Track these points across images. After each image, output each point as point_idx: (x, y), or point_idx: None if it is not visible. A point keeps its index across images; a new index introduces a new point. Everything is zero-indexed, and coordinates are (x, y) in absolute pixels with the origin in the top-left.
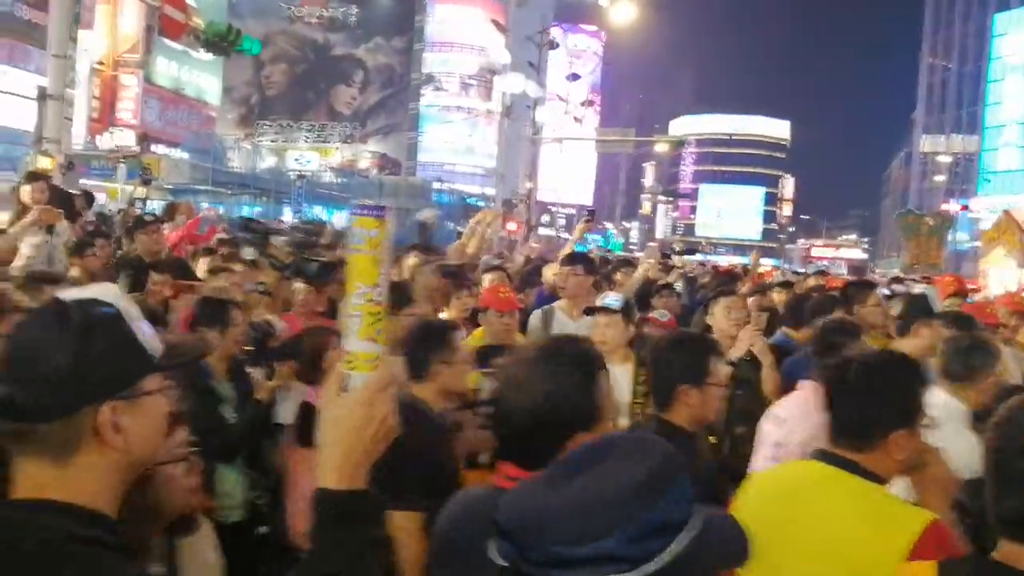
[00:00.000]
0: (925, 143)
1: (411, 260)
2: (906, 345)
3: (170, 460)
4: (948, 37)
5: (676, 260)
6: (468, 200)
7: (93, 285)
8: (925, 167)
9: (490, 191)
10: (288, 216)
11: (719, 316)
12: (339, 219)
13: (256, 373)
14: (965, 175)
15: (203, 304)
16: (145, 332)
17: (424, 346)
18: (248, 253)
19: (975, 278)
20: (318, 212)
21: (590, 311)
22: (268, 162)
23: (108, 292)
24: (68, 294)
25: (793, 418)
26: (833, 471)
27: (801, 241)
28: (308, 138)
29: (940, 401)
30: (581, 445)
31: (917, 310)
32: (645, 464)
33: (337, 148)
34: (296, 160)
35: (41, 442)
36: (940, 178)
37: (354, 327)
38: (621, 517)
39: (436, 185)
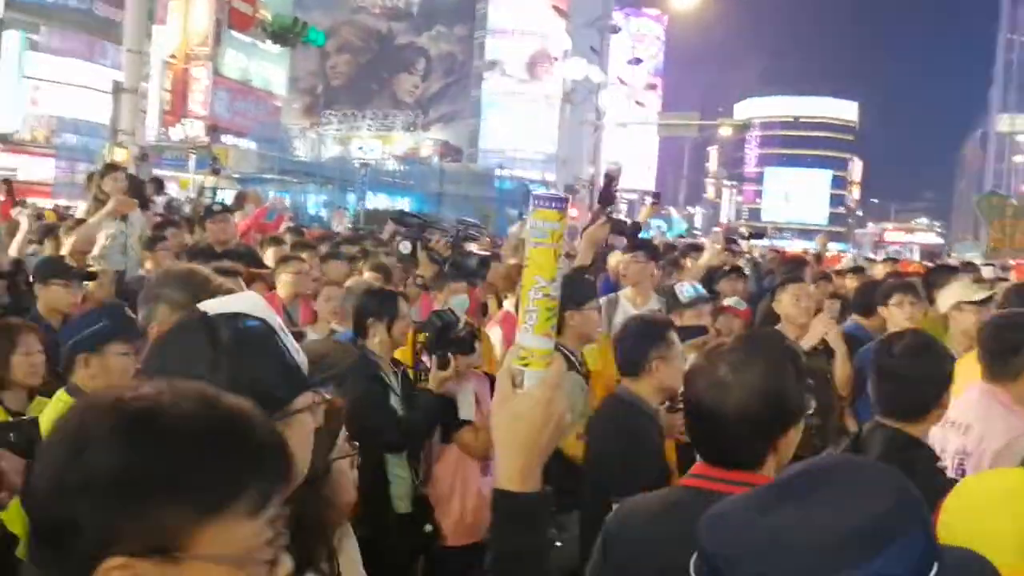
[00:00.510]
0: (1002, 122)
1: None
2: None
3: (341, 456)
4: None
5: (744, 245)
6: (529, 186)
7: (237, 296)
8: (1002, 147)
9: (551, 177)
10: (352, 203)
11: (786, 303)
12: (401, 206)
13: (431, 363)
14: None
15: (371, 296)
16: (292, 346)
17: (643, 342)
18: (404, 247)
19: None
20: (382, 200)
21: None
22: (332, 151)
23: (254, 304)
24: (211, 306)
25: (979, 423)
26: None
27: (871, 225)
28: (371, 127)
29: None
30: (802, 465)
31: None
32: (870, 507)
33: (400, 136)
34: (360, 148)
35: None
36: (1019, 159)
37: (531, 322)
38: (825, 567)
39: (498, 171)
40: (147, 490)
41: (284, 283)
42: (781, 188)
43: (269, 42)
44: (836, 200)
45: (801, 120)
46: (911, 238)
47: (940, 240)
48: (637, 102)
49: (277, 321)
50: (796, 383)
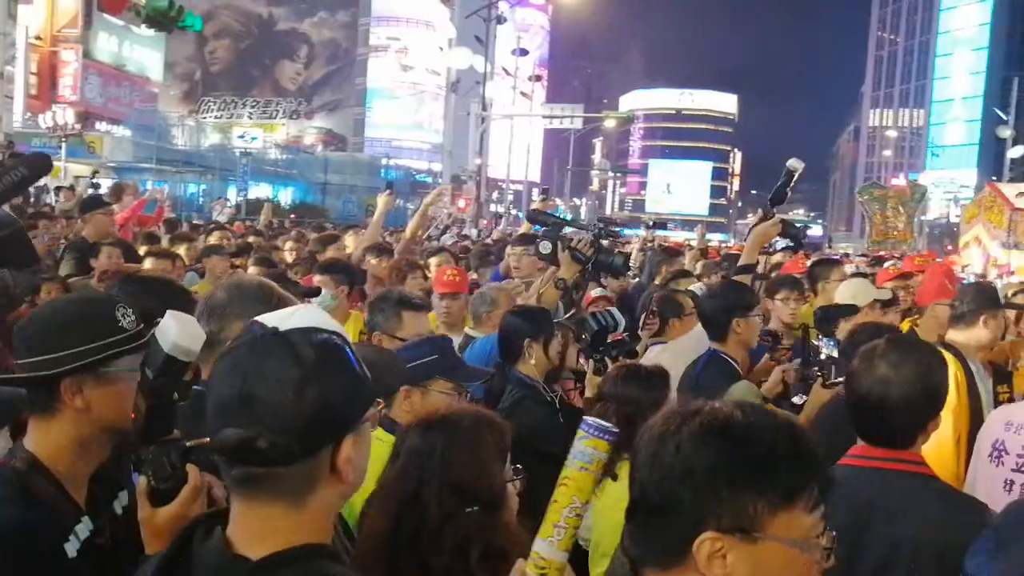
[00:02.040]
0: (873, 117)
1: (349, 239)
2: (966, 336)
3: (510, 480)
4: (896, 10)
5: (647, 234)
6: (416, 176)
7: (298, 308)
8: (873, 141)
9: (437, 167)
10: (233, 194)
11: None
12: (283, 196)
13: (586, 366)
14: (913, 149)
15: (522, 315)
16: (356, 357)
17: (726, 306)
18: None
19: (946, 257)
20: (265, 190)
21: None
22: (212, 139)
23: (316, 316)
24: (274, 319)
25: None
26: None
27: (750, 216)
28: (253, 114)
29: None
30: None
31: (984, 299)
32: None
33: (283, 124)
34: (241, 137)
35: (277, 485)
36: (888, 152)
37: (558, 537)
38: None
39: (384, 161)
40: (735, 481)
41: None
42: (664, 179)
43: (143, 26)
44: (717, 191)
45: (683, 113)
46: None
47: (820, 232)
48: (522, 93)
49: (343, 331)
50: (944, 374)
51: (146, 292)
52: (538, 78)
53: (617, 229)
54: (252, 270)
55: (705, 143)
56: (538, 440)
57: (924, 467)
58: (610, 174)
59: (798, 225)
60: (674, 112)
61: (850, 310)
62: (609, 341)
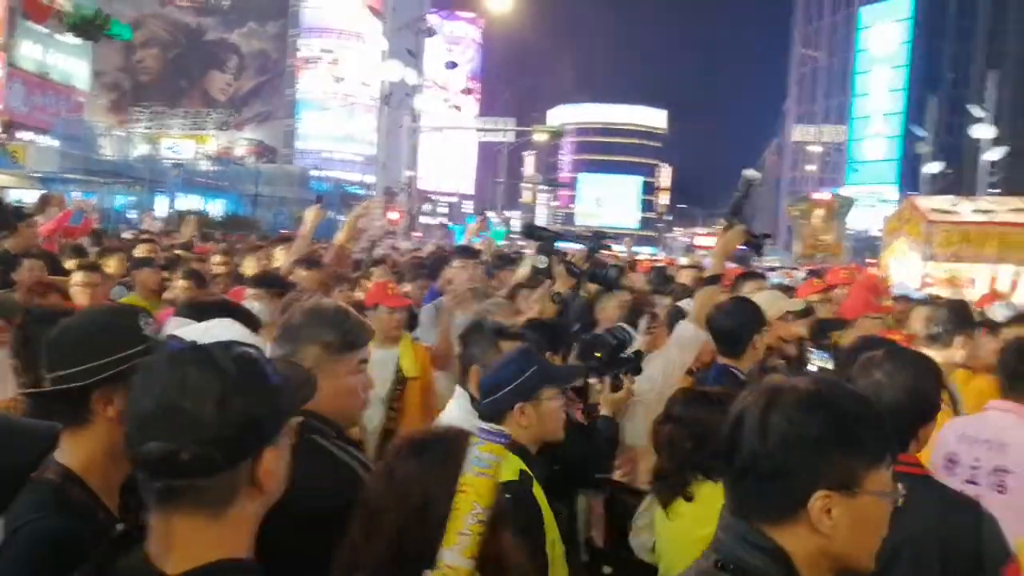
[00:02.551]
0: (796, 133)
1: (279, 251)
2: (943, 356)
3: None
4: (818, 29)
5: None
6: (348, 188)
7: (215, 322)
8: (797, 156)
9: (370, 179)
10: (163, 206)
11: (610, 308)
12: (214, 208)
13: (600, 385)
14: (835, 164)
15: (541, 329)
16: (273, 371)
17: (744, 324)
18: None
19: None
20: (195, 202)
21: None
22: (141, 150)
23: (236, 331)
24: (191, 333)
25: (1015, 441)
26: None
27: (679, 230)
28: (183, 125)
29: None
30: None
31: (960, 320)
32: None
33: (213, 135)
34: (170, 148)
35: (198, 497)
36: (811, 167)
37: (462, 545)
38: None
39: (314, 173)
40: (841, 445)
41: (77, 293)
42: (594, 193)
43: (70, 34)
44: (647, 205)
45: (612, 127)
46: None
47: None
48: (454, 106)
49: (260, 344)
50: (937, 384)
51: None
52: (469, 91)
53: (609, 242)
54: (181, 284)
55: (635, 157)
56: (571, 466)
57: (920, 468)
58: (541, 187)
59: (758, 234)
60: (604, 126)
61: (840, 324)
62: (623, 358)
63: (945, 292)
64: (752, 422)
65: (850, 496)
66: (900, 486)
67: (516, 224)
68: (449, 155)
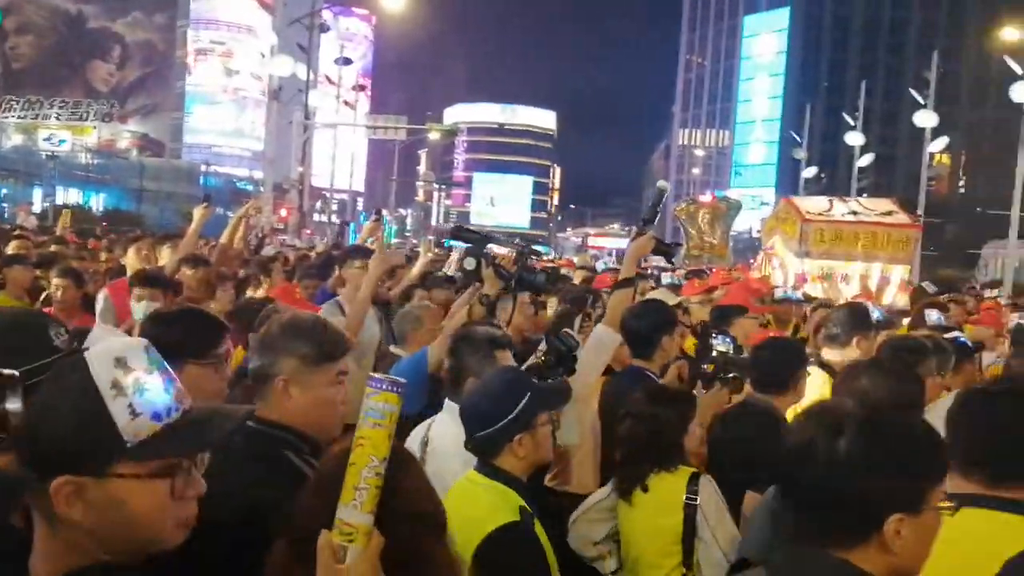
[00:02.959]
0: (683, 136)
1: (166, 249)
2: (841, 355)
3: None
4: (703, 36)
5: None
6: (237, 184)
7: (122, 339)
8: (683, 159)
9: (258, 175)
10: (39, 199)
11: (510, 310)
12: (97, 202)
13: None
14: (719, 167)
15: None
16: (121, 412)
17: (653, 325)
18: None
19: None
20: (75, 195)
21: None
22: (15, 140)
23: (130, 351)
24: (95, 338)
25: None
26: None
27: (570, 229)
28: (61, 116)
29: None
30: None
31: (856, 322)
32: None
33: (94, 127)
34: (47, 139)
35: (43, 502)
36: (697, 170)
37: (359, 499)
38: None
39: (203, 168)
40: (910, 468)
41: None
42: (487, 192)
43: None
44: (538, 205)
45: (505, 127)
46: (613, 243)
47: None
48: (346, 102)
49: (130, 380)
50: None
51: (167, 325)
52: (362, 88)
53: (539, 247)
54: (56, 282)
55: (527, 158)
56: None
57: None
58: (435, 186)
59: (668, 243)
60: (497, 126)
61: (741, 310)
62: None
63: (819, 288)
64: (824, 450)
65: (916, 515)
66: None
67: (409, 222)
68: (341, 152)
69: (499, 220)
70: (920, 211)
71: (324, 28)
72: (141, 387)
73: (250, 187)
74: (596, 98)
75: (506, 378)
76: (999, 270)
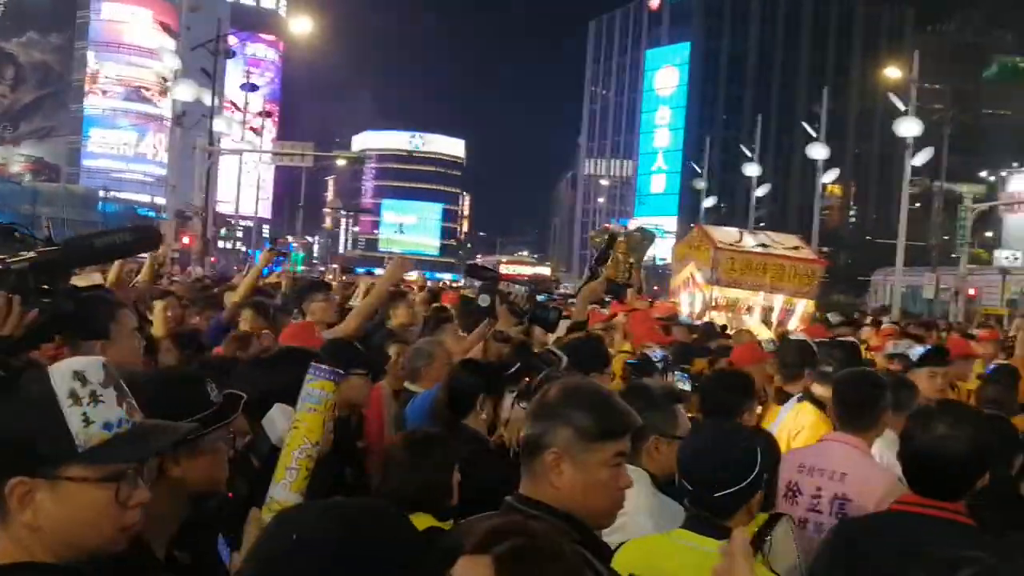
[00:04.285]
0: (589, 166)
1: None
2: (792, 388)
3: None
4: (608, 68)
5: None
6: (138, 210)
7: (80, 359)
8: (589, 189)
9: (160, 201)
10: None
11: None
12: None
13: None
14: (624, 197)
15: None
16: (75, 420)
17: (585, 362)
18: (483, 300)
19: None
20: None
21: None
22: None
23: (89, 366)
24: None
25: (853, 472)
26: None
27: (480, 257)
28: None
29: None
30: None
31: (805, 356)
32: None
33: None
34: None
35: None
36: (602, 199)
37: (290, 479)
38: None
39: (102, 193)
40: (993, 454)
41: None
42: (396, 219)
43: None
44: (448, 232)
45: (414, 155)
46: (524, 270)
47: (548, 272)
48: (252, 128)
49: (85, 391)
50: (992, 434)
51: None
52: (268, 114)
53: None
54: None
55: (436, 185)
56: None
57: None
58: (343, 213)
59: (620, 283)
60: (406, 154)
61: (704, 351)
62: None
63: (723, 317)
64: (933, 442)
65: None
66: None
67: (316, 249)
68: (247, 179)
69: (408, 247)
70: (814, 240)
71: (230, 54)
72: (96, 399)
73: (152, 213)
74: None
75: (741, 435)
76: (887, 296)
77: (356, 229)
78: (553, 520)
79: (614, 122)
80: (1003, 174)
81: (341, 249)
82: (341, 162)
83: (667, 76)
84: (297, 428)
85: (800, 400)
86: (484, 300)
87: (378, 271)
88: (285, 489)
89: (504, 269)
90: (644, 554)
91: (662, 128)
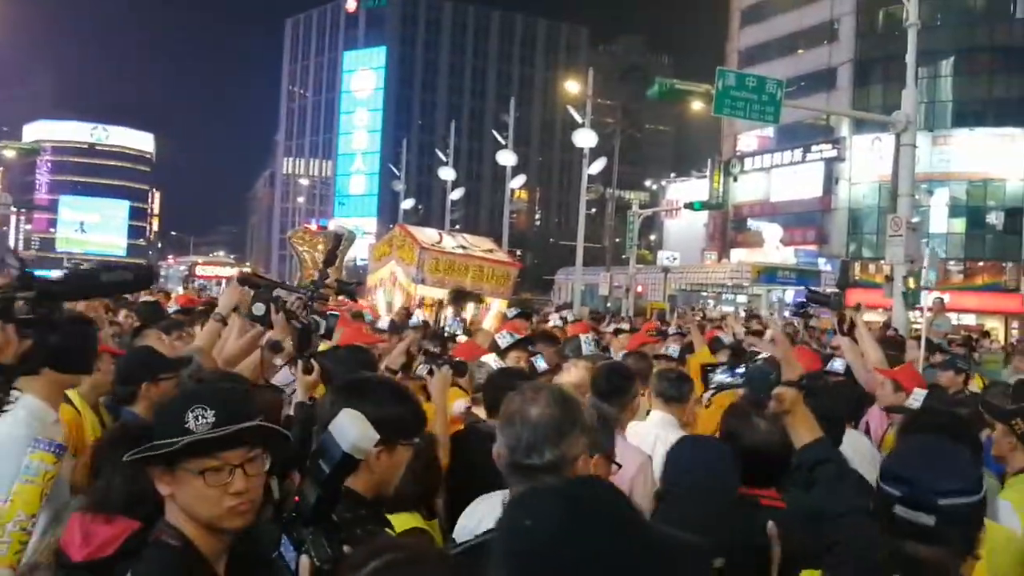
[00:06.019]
0: (288, 165)
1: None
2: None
3: None
4: (305, 67)
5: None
6: None
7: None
8: (287, 188)
9: None
10: None
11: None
12: None
13: None
14: (324, 197)
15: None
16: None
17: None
18: (257, 308)
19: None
20: None
21: None
22: None
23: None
24: None
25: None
26: None
27: (172, 257)
28: None
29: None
30: None
31: (574, 350)
32: None
33: None
34: None
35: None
36: (302, 199)
37: (1, 552)
38: None
39: None
40: None
41: None
42: (76, 217)
43: None
44: (135, 231)
45: (97, 148)
46: (222, 271)
47: (248, 271)
48: None
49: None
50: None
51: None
52: None
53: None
54: None
55: (122, 181)
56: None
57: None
58: (13, 209)
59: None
60: (87, 147)
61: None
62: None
63: (427, 314)
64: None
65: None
66: None
67: None
68: None
69: (91, 247)
70: (504, 242)
71: None
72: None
73: None
74: (199, 122)
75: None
76: (569, 294)
77: (29, 227)
78: None
79: (312, 122)
80: (663, 183)
81: (12, 248)
82: (10, 153)
83: (365, 79)
84: (13, 502)
85: None
86: (259, 308)
87: (55, 272)
88: None
89: (200, 271)
90: None
91: (360, 130)
